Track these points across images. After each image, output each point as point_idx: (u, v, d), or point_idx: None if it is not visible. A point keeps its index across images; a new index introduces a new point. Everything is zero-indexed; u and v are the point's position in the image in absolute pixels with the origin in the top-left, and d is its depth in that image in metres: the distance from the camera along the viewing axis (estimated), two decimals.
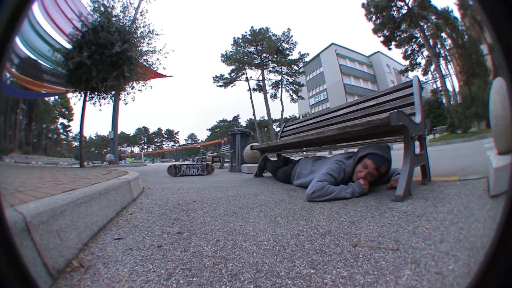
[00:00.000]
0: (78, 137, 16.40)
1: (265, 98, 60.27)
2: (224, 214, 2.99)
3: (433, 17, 39.96)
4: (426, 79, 47.17)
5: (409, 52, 46.35)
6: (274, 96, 61.81)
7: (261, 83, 60.73)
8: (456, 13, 37.77)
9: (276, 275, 1.46)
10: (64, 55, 11.39)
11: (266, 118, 63.69)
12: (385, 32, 45.26)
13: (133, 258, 1.74)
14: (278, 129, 60.63)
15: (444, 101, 41.41)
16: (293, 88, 61.64)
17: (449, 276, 1.34)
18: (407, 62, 47.39)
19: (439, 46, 41.05)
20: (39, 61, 18.24)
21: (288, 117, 67.62)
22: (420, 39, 43.45)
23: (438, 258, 1.51)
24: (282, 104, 61.08)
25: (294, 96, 61.94)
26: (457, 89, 36.27)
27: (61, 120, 66.56)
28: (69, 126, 68.97)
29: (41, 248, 1.41)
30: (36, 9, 15.98)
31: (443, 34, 38.87)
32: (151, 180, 7.80)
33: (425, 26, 41.66)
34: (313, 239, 1.99)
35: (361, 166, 3.70)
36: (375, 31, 45.65)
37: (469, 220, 2.12)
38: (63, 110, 64.49)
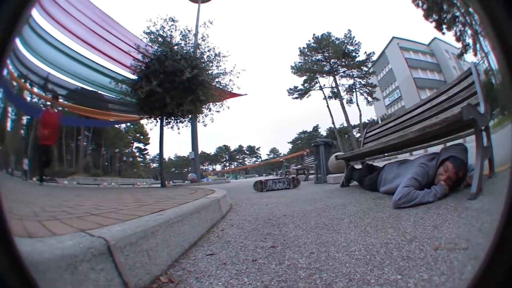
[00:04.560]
0: (157, 158, 16.85)
1: (342, 104, 59.52)
2: (315, 227, 3.01)
3: None
4: (477, 59, 45.28)
5: (458, 34, 44.79)
6: (350, 101, 60.87)
7: (335, 90, 60.11)
8: None
9: (367, 282, 1.50)
10: (130, 86, 11.82)
11: (345, 124, 63.10)
12: (434, 16, 43.97)
13: (228, 272, 1.78)
14: (358, 134, 60.43)
15: (493, 81, 39.14)
16: (367, 90, 60.67)
17: None
18: (460, 44, 45.84)
19: (473, 22, 39.63)
20: (100, 92, 18.87)
21: (366, 121, 66.48)
22: (460, 17, 41.94)
23: None
24: (359, 108, 60.17)
25: (369, 98, 60.95)
26: (497, 67, 34.44)
27: (136, 144, 68.96)
28: (145, 149, 71.40)
29: (123, 268, 1.44)
30: (79, 46, 16.61)
31: (471, 9, 36.96)
32: (238, 196, 7.75)
33: (458, 3, 40.37)
34: (401, 246, 2.03)
35: (442, 169, 3.69)
36: (427, 16, 44.24)
37: None
38: (137, 135, 66.79)
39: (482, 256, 0.82)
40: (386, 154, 8.25)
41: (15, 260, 0.87)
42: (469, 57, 41.93)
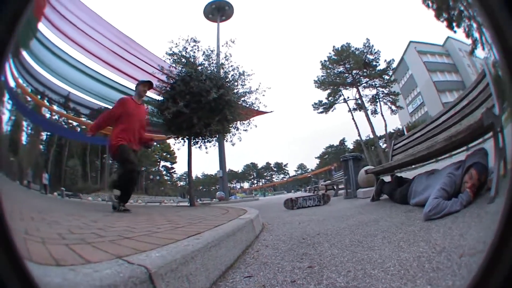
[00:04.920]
0: (184, 177, 16.96)
1: (367, 115, 59.24)
2: (350, 245, 3.04)
3: None
4: (486, 53, 44.82)
5: (467, 29, 44.46)
6: (374, 112, 60.38)
7: (359, 101, 59.86)
8: None
9: None
10: (156, 107, 11.99)
11: (371, 136, 62.82)
12: (444, 14, 43.72)
13: None
14: (384, 145, 60.20)
15: (500, 73, 38.80)
16: (390, 99, 60.29)
17: None
18: (470, 40, 45.46)
19: (475, 14, 39.29)
20: None
21: (392, 130, 65.83)
22: (464, 11, 41.62)
23: None
24: (384, 118, 59.65)
25: (393, 107, 60.59)
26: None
27: (163, 163, 69.53)
28: (172, 168, 71.86)
29: None
30: (105, 70, 17.00)
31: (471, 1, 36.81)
32: (269, 215, 7.62)
33: None
34: (431, 258, 2.08)
35: (468, 176, 3.76)
36: (437, 16, 43.98)
37: None
38: (164, 154, 67.38)
39: (482, 256, 0.84)
40: (414, 166, 8.25)
41: (15, 260, 0.87)
42: (479, 52, 41.57)
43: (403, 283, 1.72)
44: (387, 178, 7.35)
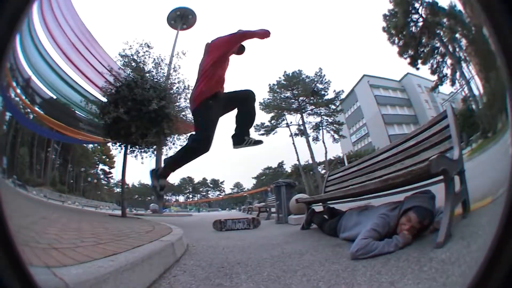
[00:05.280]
0: (120, 184, 16.58)
1: (308, 141, 59.72)
2: (267, 279, 2.94)
3: (444, 20, 39.96)
4: (455, 89, 46.75)
5: (435, 66, 46.08)
6: (316, 139, 60.87)
7: (302, 127, 60.41)
8: (459, 6, 37.75)
9: None
10: (99, 108, 11.75)
11: (310, 161, 62.81)
12: (410, 51, 45.28)
13: None
14: (323, 171, 59.41)
15: (474, 107, 40.75)
16: (333, 128, 61.29)
17: None
18: (435, 77, 47.30)
19: (457, 49, 40.99)
20: (72, 109, 18.80)
21: (332, 158, 66.89)
22: (441, 48, 43.36)
23: None
24: (325, 146, 60.35)
25: (336, 136, 61.39)
26: (481, 90, 35.48)
27: (101, 166, 68.15)
28: (110, 172, 70.32)
29: None
30: (61, 60, 16.63)
31: (458, 35, 38.61)
32: (196, 235, 7.51)
33: (441, 33, 41.63)
34: None
35: (405, 219, 3.65)
36: (401, 53, 45.56)
37: None
38: (103, 157, 66.01)
39: (482, 256, 0.84)
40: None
41: (15, 260, 0.89)
42: (445, 88, 43.90)
43: None
44: (319, 207, 7.42)
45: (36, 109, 22.38)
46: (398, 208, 3.87)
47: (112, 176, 70.89)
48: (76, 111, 18.51)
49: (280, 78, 59.47)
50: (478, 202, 3.95)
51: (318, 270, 3.10)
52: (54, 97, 18.74)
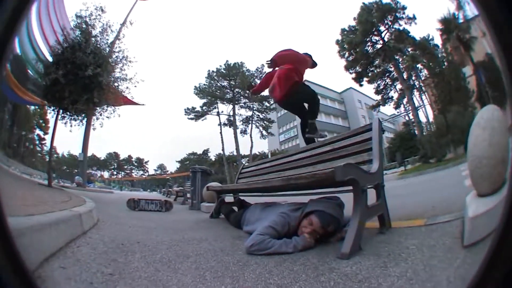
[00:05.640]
0: (52, 152, 15.99)
1: (235, 133, 60.18)
2: (159, 261, 2.95)
3: (409, 49, 41.00)
4: (398, 112, 47.95)
5: (381, 87, 46.68)
6: (244, 132, 61.59)
7: (232, 118, 60.77)
8: (437, 40, 38.27)
9: None
10: (44, 68, 11.52)
11: (235, 153, 63.22)
12: (357, 68, 46.07)
13: (70, 287, 1.94)
14: (247, 164, 60.57)
15: (416, 132, 41.59)
16: (263, 124, 61.89)
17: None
18: (379, 97, 47.81)
19: (413, 77, 41.85)
20: (27, 68, 18.15)
21: (257, 153, 66.65)
22: (393, 72, 44.23)
23: None
24: (251, 140, 61.09)
25: (264, 133, 62.13)
26: (431, 119, 36.93)
27: (37, 131, 65.25)
28: (44, 139, 67.29)
29: None
30: (32, 13, 15.97)
31: (419, 65, 39.66)
32: (110, 211, 7.47)
33: (400, 59, 42.60)
34: None
35: (306, 222, 3.56)
36: (347, 68, 46.51)
37: (426, 286, 1.93)
38: (41, 121, 63.12)
39: (482, 256, 0.85)
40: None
41: (15, 260, 0.93)
42: (386, 109, 47.81)
43: None
44: (231, 198, 7.55)
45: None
46: (301, 210, 3.78)
47: (45, 143, 68.21)
48: (28, 69, 17.89)
49: (220, 66, 59.05)
50: (403, 221, 3.96)
51: (210, 260, 3.08)
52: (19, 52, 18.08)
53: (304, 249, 3.31)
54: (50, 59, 11.59)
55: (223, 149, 62.50)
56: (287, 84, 6.35)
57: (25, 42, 16.34)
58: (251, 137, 61.00)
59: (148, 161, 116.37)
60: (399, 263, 2.43)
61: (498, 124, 2.55)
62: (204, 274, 2.55)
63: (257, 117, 61.95)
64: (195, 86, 60.59)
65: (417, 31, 44.43)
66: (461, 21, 33.28)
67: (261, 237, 3.38)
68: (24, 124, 52.78)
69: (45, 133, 65.46)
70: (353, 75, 47.12)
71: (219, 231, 5.24)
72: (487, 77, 26.85)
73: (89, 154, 31.73)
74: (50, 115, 12.54)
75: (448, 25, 34.57)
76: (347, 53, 45.86)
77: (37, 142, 65.44)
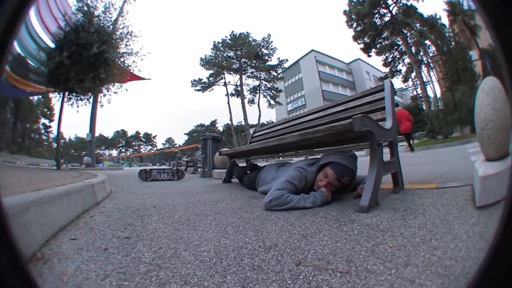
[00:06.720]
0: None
1: (243, 103, 60.84)
2: (177, 221, 2.96)
3: (417, 25, 40.69)
4: (406, 85, 48.04)
5: (389, 60, 47.29)
6: (251, 102, 62.52)
7: (239, 88, 61.33)
8: (445, 20, 38.46)
9: None
10: (47, 55, 11.40)
11: (243, 123, 64.30)
12: (365, 39, 46.21)
13: (81, 257, 1.86)
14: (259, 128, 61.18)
15: (424, 107, 41.89)
16: (271, 93, 62.34)
17: None
18: (387, 69, 48.44)
19: (421, 53, 42.02)
20: (27, 59, 18.00)
21: (265, 122, 67.42)
22: (402, 46, 44.31)
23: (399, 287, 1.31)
24: (259, 109, 61.87)
25: (272, 102, 62.71)
26: (438, 95, 36.48)
27: (43, 120, 65.24)
28: (50, 126, 67.59)
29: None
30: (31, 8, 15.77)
31: (427, 41, 39.50)
32: (122, 184, 7.82)
33: (408, 34, 42.54)
34: (255, 253, 1.89)
35: (322, 174, 3.57)
36: (356, 38, 46.59)
37: (447, 237, 1.88)
38: (45, 110, 63.09)
39: (482, 256, 0.82)
40: (280, 155, 8.61)
41: (15, 260, 0.88)
42: (395, 82, 43.18)
43: (210, 274, 1.59)
44: (244, 164, 7.56)
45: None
46: (316, 164, 3.79)
47: (51, 131, 68.34)
48: (29, 60, 17.75)
49: (226, 37, 59.26)
50: (415, 184, 4.09)
51: (229, 217, 3.10)
52: (19, 52, 17.93)
53: (323, 204, 3.33)
54: (52, 45, 11.62)
55: (231, 119, 63.56)
56: None
57: (24, 37, 16.22)
58: (258, 106, 61.80)
59: (156, 135, 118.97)
60: (417, 217, 2.47)
61: (499, 92, 2.60)
62: (226, 229, 2.57)
63: (264, 87, 62.46)
64: (201, 58, 60.93)
65: (424, 9, 44.01)
66: (465, 8, 33.06)
67: (280, 192, 3.36)
68: (28, 116, 52.94)
69: (51, 121, 65.74)
70: (362, 46, 47.24)
71: (234, 193, 5.26)
72: (492, 65, 26.37)
73: (96, 134, 31.60)
74: (56, 99, 12.58)
75: (454, 8, 34.39)
76: (355, 23, 45.83)
77: (43, 131, 65.92)
